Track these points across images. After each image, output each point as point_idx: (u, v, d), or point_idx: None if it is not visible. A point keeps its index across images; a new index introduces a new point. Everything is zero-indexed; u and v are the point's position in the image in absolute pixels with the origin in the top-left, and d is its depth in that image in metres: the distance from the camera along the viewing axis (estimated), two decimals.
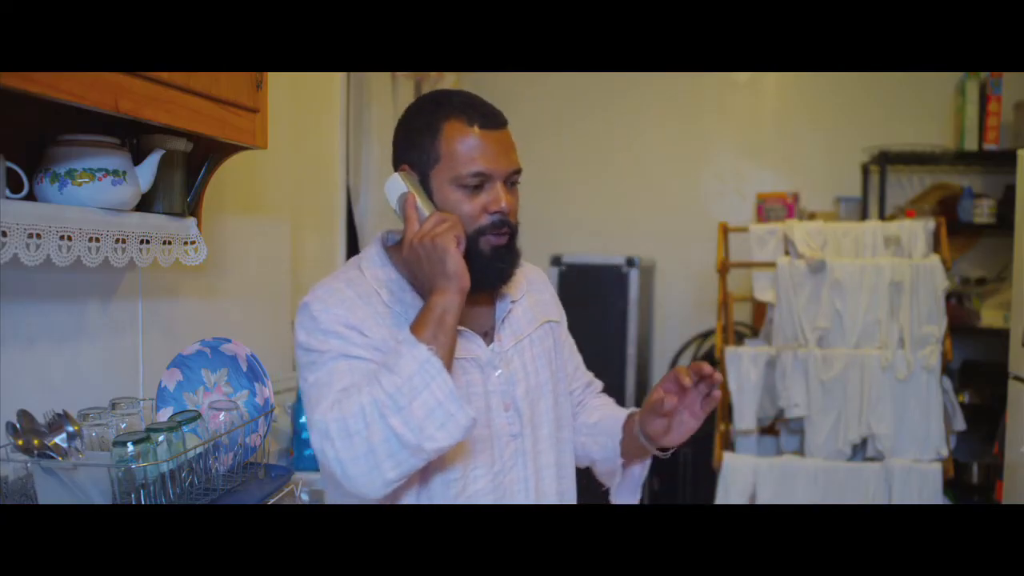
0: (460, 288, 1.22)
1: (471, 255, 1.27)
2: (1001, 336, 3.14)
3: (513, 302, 1.39)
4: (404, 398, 1.13)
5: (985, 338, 3.69)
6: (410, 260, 1.26)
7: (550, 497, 1.37)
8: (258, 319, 2.31)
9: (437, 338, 1.18)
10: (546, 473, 1.37)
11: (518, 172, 1.31)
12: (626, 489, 1.48)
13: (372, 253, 1.35)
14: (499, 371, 1.33)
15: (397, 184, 1.30)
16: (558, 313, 1.51)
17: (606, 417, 1.48)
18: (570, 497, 1.43)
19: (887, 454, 3.03)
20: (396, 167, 1.33)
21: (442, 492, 1.27)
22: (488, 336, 1.36)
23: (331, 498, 1.37)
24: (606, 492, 1.53)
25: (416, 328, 1.20)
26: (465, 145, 1.26)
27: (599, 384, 1.60)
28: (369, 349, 1.23)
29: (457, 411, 1.14)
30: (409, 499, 1.27)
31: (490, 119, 1.28)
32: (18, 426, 1.36)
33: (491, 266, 1.30)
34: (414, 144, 1.30)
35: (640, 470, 1.47)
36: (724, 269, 3.32)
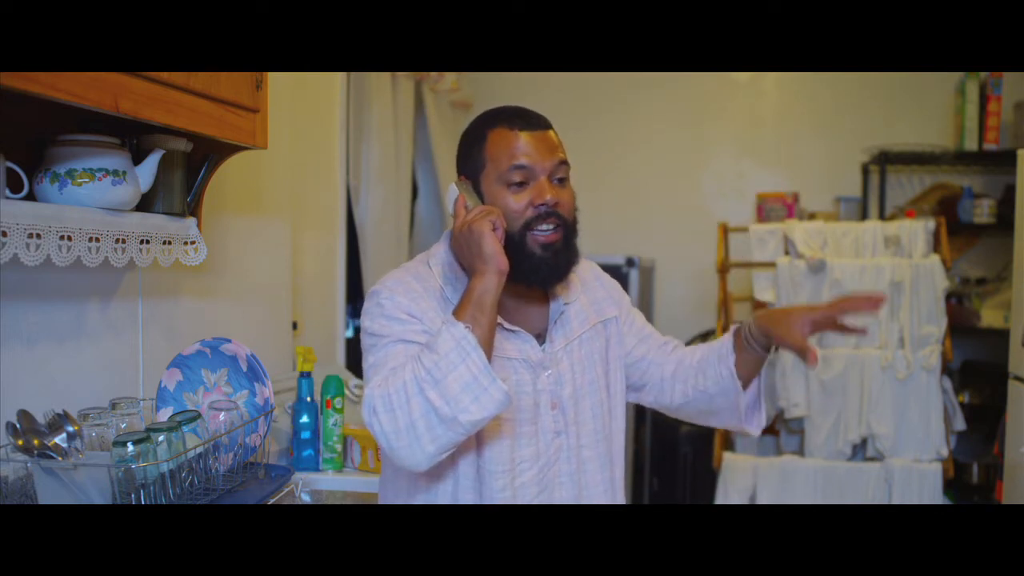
0: (497, 270, 1.27)
1: (521, 253, 1.33)
2: (1001, 336, 3.14)
3: (567, 304, 1.45)
4: (440, 372, 1.19)
5: (985, 338, 3.69)
6: (456, 250, 1.34)
7: (595, 487, 1.44)
8: (258, 319, 2.31)
9: (476, 318, 1.24)
10: (590, 466, 1.44)
11: (563, 164, 1.37)
12: (752, 409, 1.51)
13: (440, 250, 1.43)
14: (549, 371, 1.40)
15: (452, 191, 1.38)
16: (615, 306, 1.54)
17: (710, 351, 1.52)
18: (618, 485, 1.49)
19: (887, 454, 3.03)
20: None
21: (492, 481, 1.34)
22: (542, 337, 1.42)
23: (384, 472, 1.48)
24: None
25: (457, 310, 1.26)
26: (507, 145, 1.34)
27: (679, 342, 1.62)
28: (427, 337, 1.30)
29: (490, 385, 1.20)
30: (467, 486, 1.35)
31: (530, 121, 1.37)
32: (18, 426, 1.36)
33: (541, 265, 1.35)
34: (467, 155, 1.40)
35: (757, 385, 1.51)
36: (724, 269, 3.32)
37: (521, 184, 1.34)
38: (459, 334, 1.21)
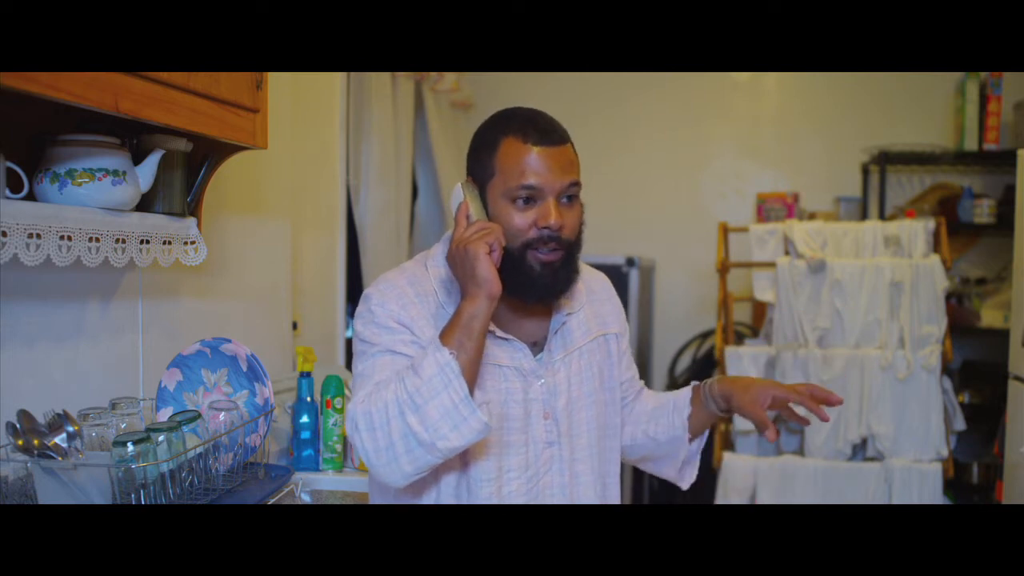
0: (488, 294, 1.24)
1: (520, 269, 1.31)
2: (1001, 336, 3.14)
3: (569, 314, 1.43)
4: (422, 398, 1.19)
5: (985, 338, 3.69)
6: (451, 264, 1.31)
7: (587, 502, 1.41)
8: (258, 319, 2.31)
9: (463, 343, 1.23)
10: (583, 480, 1.41)
11: (574, 185, 1.34)
12: (689, 466, 1.54)
13: (438, 252, 1.41)
14: (542, 381, 1.38)
15: (457, 193, 1.36)
16: (619, 324, 1.53)
17: (666, 399, 1.53)
18: (613, 502, 1.47)
19: (887, 454, 3.03)
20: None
21: (478, 490, 1.33)
22: (538, 346, 1.40)
23: (370, 478, 1.45)
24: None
25: (444, 333, 1.25)
26: (518, 160, 1.30)
27: (643, 385, 1.64)
28: (415, 347, 1.29)
29: (470, 415, 1.19)
30: (447, 492, 1.33)
31: (546, 136, 1.31)
32: (18, 426, 1.36)
33: (539, 281, 1.33)
34: (477, 158, 1.36)
35: (699, 444, 1.53)
36: (724, 269, 3.32)
37: (528, 201, 1.30)
38: (443, 360, 1.20)
